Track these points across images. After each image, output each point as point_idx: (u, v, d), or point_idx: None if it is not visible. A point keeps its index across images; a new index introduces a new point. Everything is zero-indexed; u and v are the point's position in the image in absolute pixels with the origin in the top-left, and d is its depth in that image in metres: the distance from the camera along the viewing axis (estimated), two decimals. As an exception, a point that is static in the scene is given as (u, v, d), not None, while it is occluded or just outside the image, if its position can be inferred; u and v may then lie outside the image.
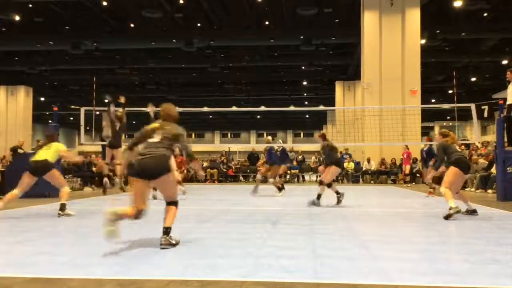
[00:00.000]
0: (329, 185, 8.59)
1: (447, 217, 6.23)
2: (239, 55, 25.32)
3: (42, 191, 10.28)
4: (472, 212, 6.84)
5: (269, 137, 13.37)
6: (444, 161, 6.89)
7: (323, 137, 9.08)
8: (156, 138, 4.44)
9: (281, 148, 12.36)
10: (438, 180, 8.46)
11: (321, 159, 8.78)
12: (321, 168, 9.43)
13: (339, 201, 8.50)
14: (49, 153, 7.21)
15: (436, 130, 46.66)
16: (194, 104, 33.95)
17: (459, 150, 7.32)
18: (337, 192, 8.55)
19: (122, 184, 10.94)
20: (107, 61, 26.55)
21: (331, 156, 8.72)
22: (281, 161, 11.59)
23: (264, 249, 4.18)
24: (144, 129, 4.62)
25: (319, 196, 8.50)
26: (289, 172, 20.76)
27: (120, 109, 10.70)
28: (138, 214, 4.33)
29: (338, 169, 8.79)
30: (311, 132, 57.75)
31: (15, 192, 6.94)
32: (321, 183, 8.75)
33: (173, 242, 4.32)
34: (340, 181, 19.63)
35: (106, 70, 28.09)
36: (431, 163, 10.40)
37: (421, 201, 9.83)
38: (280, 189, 11.38)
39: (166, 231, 4.33)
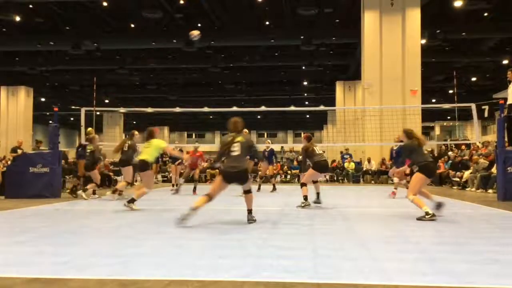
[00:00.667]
0: (302, 185, 8.40)
1: (420, 218, 6.28)
2: (239, 55, 25.32)
3: (42, 191, 10.33)
4: (438, 206, 6.64)
5: (268, 141, 13.51)
6: (411, 162, 6.83)
7: (308, 139, 8.68)
8: (236, 151, 5.81)
9: (269, 148, 12.59)
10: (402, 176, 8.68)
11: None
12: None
13: (301, 205, 8.20)
14: (148, 151, 7.92)
15: (437, 130, 46.68)
16: (194, 104, 33.96)
17: (426, 153, 7.14)
18: (305, 198, 8.23)
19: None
20: (107, 61, 26.55)
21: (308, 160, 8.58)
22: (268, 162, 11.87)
23: (265, 249, 4.18)
24: (223, 142, 5.97)
25: (318, 195, 8.50)
26: (289, 172, 20.78)
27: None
28: (211, 200, 5.88)
29: (314, 171, 8.43)
30: (311, 132, 57.75)
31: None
32: (302, 185, 8.51)
33: (255, 218, 5.99)
34: (340, 181, 19.65)
35: (106, 70, 28.10)
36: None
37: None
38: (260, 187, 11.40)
39: (250, 211, 6.05)
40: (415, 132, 6.96)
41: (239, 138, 5.86)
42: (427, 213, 6.23)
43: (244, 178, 5.89)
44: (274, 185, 13.30)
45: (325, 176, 19.81)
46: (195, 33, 9.61)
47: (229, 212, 7.44)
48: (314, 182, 8.63)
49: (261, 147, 17.24)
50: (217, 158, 6.19)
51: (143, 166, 7.90)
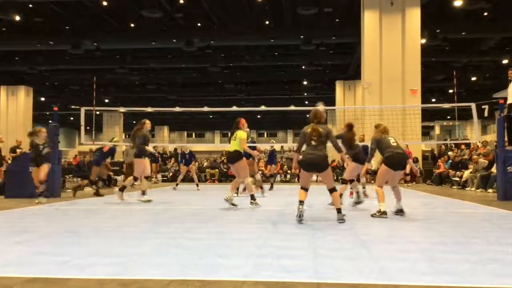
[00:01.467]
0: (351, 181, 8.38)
1: (372, 215, 6.54)
2: (239, 55, 25.32)
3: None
4: (399, 212, 6.70)
5: (273, 140, 13.39)
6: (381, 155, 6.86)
7: (349, 127, 8.45)
8: (314, 141, 5.87)
9: (272, 148, 12.55)
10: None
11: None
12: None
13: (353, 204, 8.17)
14: (235, 143, 7.92)
15: (437, 129, 46.67)
16: (194, 104, 33.99)
17: (393, 144, 6.67)
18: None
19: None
20: (107, 61, 26.55)
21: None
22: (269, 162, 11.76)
23: (265, 249, 4.18)
24: (303, 133, 6.02)
25: (357, 194, 8.43)
26: (289, 172, 20.77)
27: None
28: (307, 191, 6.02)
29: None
30: (311, 132, 57.61)
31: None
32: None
33: (345, 217, 5.91)
34: (340, 181, 19.64)
35: (106, 70, 28.10)
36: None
37: (421, 201, 9.82)
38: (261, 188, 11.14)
39: (339, 211, 5.94)
40: (379, 123, 7.16)
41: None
42: (379, 211, 6.46)
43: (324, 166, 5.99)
44: (272, 184, 13.45)
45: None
46: None
47: (229, 212, 7.44)
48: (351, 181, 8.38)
49: (262, 147, 17.30)
50: (298, 148, 6.31)
51: (236, 157, 7.86)
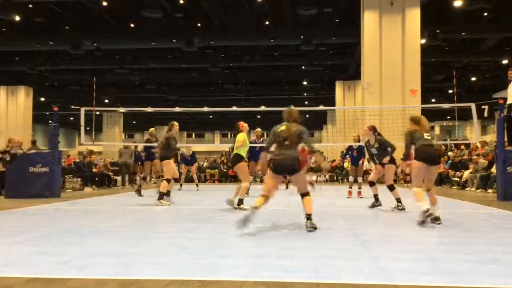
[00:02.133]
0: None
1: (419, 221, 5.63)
2: (239, 55, 25.33)
3: (42, 191, 10.32)
4: (435, 220, 6.14)
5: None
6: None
7: (374, 129, 8.28)
8: (287, 141, 5.28)
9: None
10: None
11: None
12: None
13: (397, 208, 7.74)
14: (235, 147, 7.88)
15: (437, 130, 46.67)
16: (194, 104, 33.96)
17: (427, 137, 5.97)
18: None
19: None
20: (107, 61, 26.57)
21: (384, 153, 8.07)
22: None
23: (265, 249, 4.18)
24: (273, 132, 5.45)
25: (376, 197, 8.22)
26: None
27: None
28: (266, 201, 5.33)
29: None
30: (311, 132, 57.73)
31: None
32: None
33: (316, 225, 5.21)
34: (340, 181, 19.64)
35: (106, 70, 28.11)
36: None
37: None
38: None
39: (309, 217, 5.25)
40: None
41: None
42: (425, 212, 5.55)
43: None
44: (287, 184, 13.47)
45: (324, 176, 19.85)
46: None
47: (229, 212, 7.44)
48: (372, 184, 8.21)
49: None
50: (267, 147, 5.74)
51: (235, 160, 7.87)
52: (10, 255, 3.95)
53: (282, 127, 5.41)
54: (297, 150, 5.40)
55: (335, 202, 9.19)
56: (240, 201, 7.78)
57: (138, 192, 11.08)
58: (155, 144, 11.18)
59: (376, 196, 8.13)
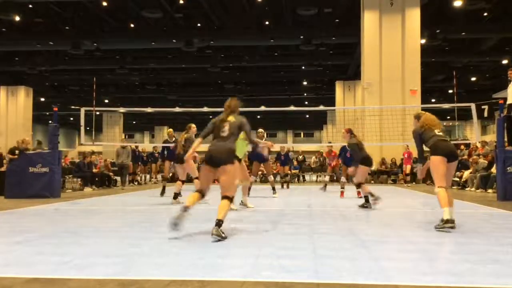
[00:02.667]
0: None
1: (436, 227, 5.26)
2: (239, 55, 25.33)
3: (42, 191, 10.32)
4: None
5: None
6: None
7: (350, 132, 8.52)
8: (225, 132, 4.97)
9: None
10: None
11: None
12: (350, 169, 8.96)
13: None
14: None
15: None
16: (194, 104, 33.91)
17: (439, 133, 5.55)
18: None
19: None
20: (107, 61, 26.56)
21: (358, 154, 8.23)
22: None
23: (265, 249, 4.18)
24: (212, 122, 5.13)
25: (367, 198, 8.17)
26: (289, 172, 20.76)
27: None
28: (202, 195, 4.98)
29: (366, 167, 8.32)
30: (311, 132, 57.76)
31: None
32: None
33: (223, 235, 4.60)
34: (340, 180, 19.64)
35: (106, 70, 28.10)
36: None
37: (421, 201, 9.83)
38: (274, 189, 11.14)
39: (218, 223, 4.65)
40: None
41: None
42: (442, 220, 5.17)
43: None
44: (288, 183, 13.83)
45: (324, 176, 19.83)
46: None
47: (230, 212, 7.43)
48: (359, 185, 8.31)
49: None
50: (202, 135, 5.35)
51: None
52: (10, 255, 3.95)
53: (221, 117, 5.14)
54: (233, 143, 5.02)
55: (335, 202, 9.19)
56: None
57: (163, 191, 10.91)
58: (171, 144, 11.26)
59: (367, 198, 8.09)
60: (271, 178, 11.41)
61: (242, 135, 7.68)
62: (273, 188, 11.12)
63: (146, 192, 13.05)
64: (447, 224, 5.09)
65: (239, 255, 3.92)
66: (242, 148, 7.87)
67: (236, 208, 8.03)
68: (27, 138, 13.56)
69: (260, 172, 16.92)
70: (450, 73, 23.48)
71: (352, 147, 8.33)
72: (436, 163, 5.28)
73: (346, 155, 10.96)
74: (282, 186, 15.49)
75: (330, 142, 16.90)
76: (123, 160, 14.96)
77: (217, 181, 4.99)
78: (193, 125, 9.48)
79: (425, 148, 5.62)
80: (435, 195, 5.27)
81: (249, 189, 10.67)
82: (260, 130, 11.18)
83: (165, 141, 11.91)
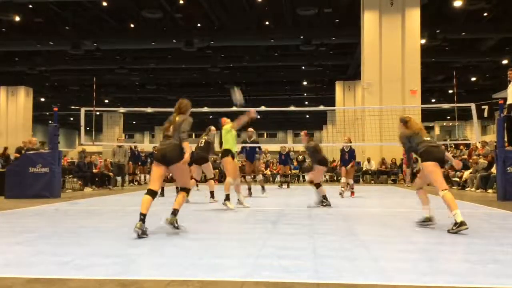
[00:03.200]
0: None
1: (449, 231, 5.13)
2: (239, 55, 25.33)
3: (42, 191, 10.32)
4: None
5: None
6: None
7: (308, 135, 9.00)
8: (169, 132, 5.16)
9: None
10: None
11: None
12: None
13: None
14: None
15: (437, 130, 46.66)
16: (194, 104, 33.73)
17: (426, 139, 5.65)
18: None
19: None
20: (107, 61, 26.56)
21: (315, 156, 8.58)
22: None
23: (265, 249, 4.18)
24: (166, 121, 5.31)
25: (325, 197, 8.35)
26: (289, 172, 20.77)
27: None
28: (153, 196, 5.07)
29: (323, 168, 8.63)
30: (311, 132, 57.75)
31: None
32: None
33: (176, 224, 4.98)
34: (340, 180, 19.65)
35: (106, 70, 28.10)
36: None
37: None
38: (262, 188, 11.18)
39: (174, 211, 5.08)
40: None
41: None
42: (455, 223, 5.06)
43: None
44: (288, 183, 13.82)
45: (324, 176, 19.86)
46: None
47: (229, 212, 7.44)
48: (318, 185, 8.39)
49: (262, 146, 17.47)
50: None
51: (221, 156, 8.25)
52: (10, 255, 3.95)
53: (170, 118, 5.32)
54: (178, 140, 5.09)
55: (335, 202, 9.18)
56: (227, 197, 7.73)
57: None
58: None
59: (324, 196, 8.33)
60: (259, 177, 11.44)
61: (228, 127, 7.76)
62: (263, 187, 11.14)
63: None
64: (462, 227, 4.98)
65: (239, 255, 3.92)
66: (233, 142, 8.05)
67: (248, 205, 8.07)
68: (33, 139, 13.55)
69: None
70: (450, 73, 23.51)
71: (309, 149, 8.67)
72: (432, 167, 5.32)
73: (345, 157, 11.06)
74: (281, 186, 15.53)
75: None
76: (119, 159, 14.94)
77: (171, 178, 5.36)
78: (213, 127, 9.77)
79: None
80: (441, 198, 5.19)
81: (250, 189, 10.69)
82: (250, 129, 11.45)
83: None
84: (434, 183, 5.34)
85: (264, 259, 3.74)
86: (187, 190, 5.26)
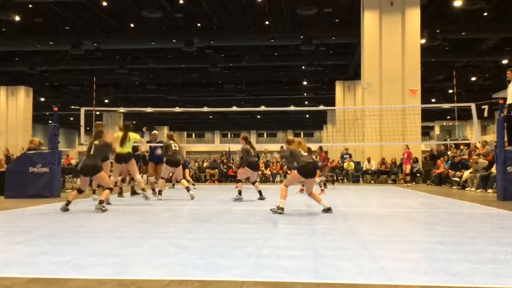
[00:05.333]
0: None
1: (271, 210, 7.03)
2: (239, 55, 25.33)
3: (42, 191, 10.32)
4: (327, 211, 7.23)
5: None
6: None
7: (245, 139, 10.00)
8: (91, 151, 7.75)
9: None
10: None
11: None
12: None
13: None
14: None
15: (437, 130, 46.68)
16: (194, 104, 33.97)
17: (305, 155, 7.29)
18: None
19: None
20: (107, 61, 26.56)
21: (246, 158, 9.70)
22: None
23: (265, 249, 4.18)
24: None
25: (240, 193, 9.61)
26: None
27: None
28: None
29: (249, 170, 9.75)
30: (311, 132, 57.82)
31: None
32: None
33: (104, 208, 7.33)
34: (340, 180, 19.64)
35: (106, 70, 28.10)
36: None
37: (421, 201, 9.83)
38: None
39: (100, 202, 7.48)
40: (293, 138, 7.70)
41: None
42: (279, 206, 6.94)
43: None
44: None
45: (326, 177, 19.85)
46: None
47: (229, 212, 7.44)
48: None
49: (262, 146, 17.42)
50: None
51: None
52: (10, 255, 3.95)
53: (91, 141, 7.99)
54: (99, 160, 7.90)
55: (335, 202, 9.18)
56: (154, 191, 10.03)
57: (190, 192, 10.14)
58: (158, 145, 11.47)
59: (260, 192, 9.76)
60: (152, 179, 11.42)
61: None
62: (187, 188, 9.95)
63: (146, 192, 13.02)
64: (278, 210, 6.91)
65: (239, 255, 3.92)
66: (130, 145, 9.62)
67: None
68: (36, 139, 13.50)
69: (260, 173, 16.98)
70: (450, 73, 23.49)
71: (243, 152, 9.78)
72: (296, 177, 7.26)
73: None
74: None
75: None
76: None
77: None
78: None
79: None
80: (281, 187, 7.13)
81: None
82: (154, 132, 12.77)
83: (154, 142, 11.99)
84: (287, 181, 7.52)
85: (265, 259, 3.74)
86: (110, 188, 7.79)
